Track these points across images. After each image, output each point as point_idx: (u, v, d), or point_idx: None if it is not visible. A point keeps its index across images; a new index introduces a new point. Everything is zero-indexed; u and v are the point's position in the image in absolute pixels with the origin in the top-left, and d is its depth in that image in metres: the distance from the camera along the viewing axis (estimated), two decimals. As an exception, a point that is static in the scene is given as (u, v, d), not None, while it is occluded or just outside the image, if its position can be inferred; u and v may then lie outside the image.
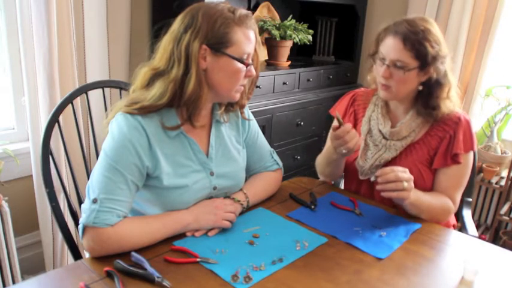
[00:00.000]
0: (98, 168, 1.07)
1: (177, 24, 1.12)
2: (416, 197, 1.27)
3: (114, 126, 1.09)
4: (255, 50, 1.19)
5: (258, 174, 1.40)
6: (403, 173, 1.22)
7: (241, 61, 1.13)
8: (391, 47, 1.32)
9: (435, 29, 1.34)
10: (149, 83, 1.13)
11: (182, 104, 1.12)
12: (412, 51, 1.30)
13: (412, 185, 1.24)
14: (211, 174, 1.21)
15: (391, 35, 1.33)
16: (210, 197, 1.22)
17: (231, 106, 1.27)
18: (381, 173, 1.22)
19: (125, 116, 1.09)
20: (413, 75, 1.33)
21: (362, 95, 1.59)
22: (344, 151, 1.31)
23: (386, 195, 1.22)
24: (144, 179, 1.12)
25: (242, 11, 1.14)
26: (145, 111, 1.10)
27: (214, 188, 1.22)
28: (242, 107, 1.30)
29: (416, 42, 1.29)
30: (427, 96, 1.37)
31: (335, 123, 1.31)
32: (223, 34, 1.09)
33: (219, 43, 1.10)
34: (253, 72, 1.18)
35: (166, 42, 1.12)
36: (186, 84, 1.09)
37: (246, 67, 1.15)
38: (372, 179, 1.23)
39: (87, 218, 1.02)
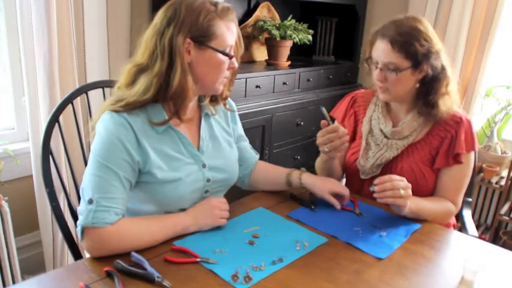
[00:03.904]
0: (89, 169, 1.07)
1: (159, 18, 1.12)
2: (416, 205, 1.28)
3: (101, 126, 1.10)
4: (236, 44, 1.20)
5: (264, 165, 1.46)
6: (400, 181, 1.22)
7: (225, 53, 1.14)
8: (380, 51, 1.33)
9: (424, 26, 1.34)
10: (133, 80, 1.13)
11: (169, 98, 1.12)
12: (401, 52, 1.30)
13: (410, 192, 1.24)
14: (204, 166, 1.21)
15: (379, 39, 1.34)
16: (206, 190, 1.22)
17: (214, 97, 1.28)
18: (379, 181, 1.23)
19: (111, 114, 1.09)
20: (407, 75, 1.33)
21: (362, 96, 1.59)
22: (326, 150, 1.31)
23: (383, 201, 1.23)
24: (136, 175, 1.11)
25: (224, 4, 1.15)
26: (130, 107, 1.10)
27: (208, 181, 1.22)
28: (225, 98, 1.31)
29: (404, 43, 1.30)
30: (426, 93, 1.37)
31: (324, 120, 1.32)
32: (207, 27, 1.10)
33: (203, 36, 1.10)
34: (236, 64, 1.19)
35: (148, 37, 1.12)
36: (171, 78, 1.09)
37: (230, 59, 1.16)
38: (371, 188, 1.24)
39: (86, 219, 1.02)
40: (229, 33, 1.14)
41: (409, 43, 1.30)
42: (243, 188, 1.47)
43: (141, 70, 1.12)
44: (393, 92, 1.37)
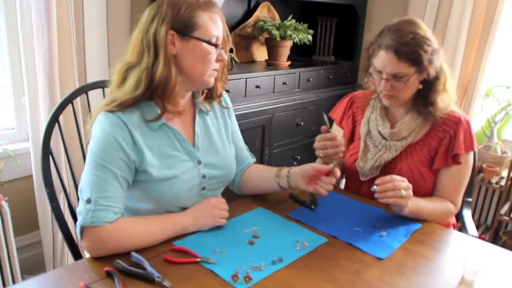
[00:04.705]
0: (86, 170, 1.08)
1: (144, 16, 1.15)
2: (416, 205, 1.28)
3: (97, 127, 1.10)
4: (224, 39, 1.19)
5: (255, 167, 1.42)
6: (401, 182, 1.22)
7: (209, 42, 1.14)
8: (385, 62, 1.32)
9: (421, 28, 1.34)
10: (124, 78, 1.14)
11: (155, 92, 1.12)
12: (407, 62, 1.30)
13: (411, 193, 1.24)
14: (199, 163, 1.21)
15: (382, 50, 1.33)
16: (203, 187, 1.22)
17: (209, 95, 1.28)
18: (380, 181, 1.23)
19: (106, 115, 1.10)
20: (413, 79, 1.34)
21: (360, 97, 1.59)
22: (321, 155, 1.30)
23: (384, 201, 1.23)
24: (133, 173, 1.12)
25: None
26: (124, 105, 1.10)
27: (204, 177, 1.22)
28: (219, 96, 1.30)
29: (410, 52, 1.29)
30: (426, 92, 1.38)
31: (325, 125, 1.30)
32: (189, 18, 1.11)
33: (185, 27, 1.11)
34: (224, 56, 1.19)
35: (135, 36, 1.14)
36: (154, 71, 1.10)
37: (216, 49, 1.16)
38: (372, 189, 1.24)
39: (84, 219, 1.02)
40: (212, 24, 1.14)
41: (414, 51, 1.29)
42: (233, 190, 1.43)
43: (130, 68, 1.13)
44: (400, 98, 1.38)
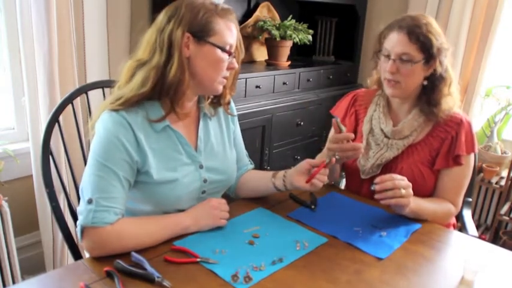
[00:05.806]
0: (88, 169, 1.07)
1: (161, 17, 1.14)
2: (416, 205, 1.27)
3: (100, 125, 1.10)
4: (237, 47, 1.20)
5: (252, 173, 1.41)
6: (401, 180, 1.22)
7: (223, 49, 1.14)
8: (396, 42, 1.34)
9: (435, 24, 1.37)
10: (132, 74, 1.14)
11: (165, 93, 1.12)
12: (417, 44, 1.32)
13: (411, 191, 1.24)
14: (201, 167, 1.21)
15: (395, 30, 1.35)
16: (203, 191, 1.22)
17: (216, 100, 1.28)
18: (379, 180, 1.23)
19: (110, 114, 1.10)
20: (419, 69, 1.34)
21: (363, 95, 1.59)
22: (337, 157, 1.29)
23: (385, 202, 1.23)
24: (135, 174, 1.12)
25: (224, 5, 1.17)
26: (129, 103, 1.10)
27: (205, 181, 1.22)
28: (227, 103, 1.31)
29: (421, 35, 1.31)
30: (430, 91, 1.38)
31: (336, 127, 1.30)
32: (206, 23, 1.12)
33: (202, 31, 1.12)
34: (236, 64, 1.20)
35: (149, 34, 1.14)
36: (167, 71, 1.10)
37: (229, 56, 1.16)
38: (372, 188, 1.24)
39: (85, 219, 1.02)
40: (228, 31, 1.15)
41: (426, 36, 1.32)
42: (230, 194, 1.42)
43: (140, 65, 1.13)
44: (403, 85, 1.36)
